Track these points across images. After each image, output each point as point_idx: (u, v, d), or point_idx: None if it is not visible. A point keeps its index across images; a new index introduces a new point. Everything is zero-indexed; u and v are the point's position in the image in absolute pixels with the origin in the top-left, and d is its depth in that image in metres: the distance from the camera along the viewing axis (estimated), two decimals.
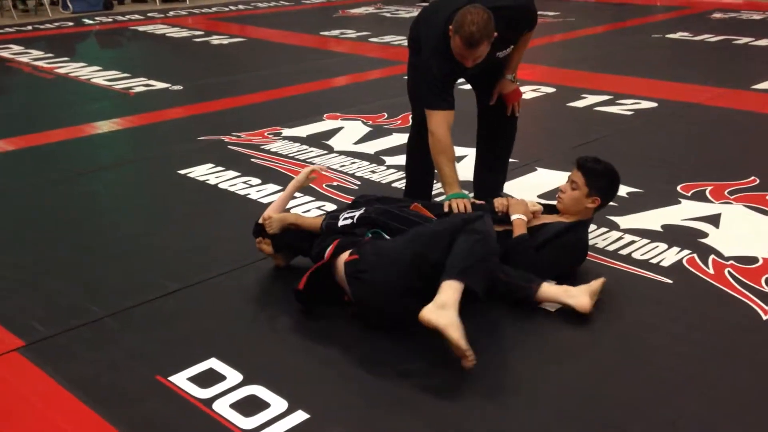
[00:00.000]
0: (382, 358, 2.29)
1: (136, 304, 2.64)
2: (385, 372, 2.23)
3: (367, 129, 4.69)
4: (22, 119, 5.30)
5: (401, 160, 4.07)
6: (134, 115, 5.17)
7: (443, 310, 2.16)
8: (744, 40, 7.51)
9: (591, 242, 3.06)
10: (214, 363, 2.28)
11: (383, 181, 3.82)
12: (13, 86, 6.24)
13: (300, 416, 2.04)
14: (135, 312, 2.60)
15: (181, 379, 2.21)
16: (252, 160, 4.16)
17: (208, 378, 2.21)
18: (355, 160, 4.14)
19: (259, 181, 3.83)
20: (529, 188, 3.67)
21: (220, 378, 2.22)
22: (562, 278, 2.67)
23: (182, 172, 4.01)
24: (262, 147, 4.38)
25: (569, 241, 2.75)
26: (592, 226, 3.22)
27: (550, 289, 2.54)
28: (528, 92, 5.44)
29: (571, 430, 2.00)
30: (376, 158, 4.18)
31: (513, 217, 2.76)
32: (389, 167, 4.03)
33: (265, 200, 3.57)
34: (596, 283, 2.54)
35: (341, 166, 4.03)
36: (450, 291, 2.21)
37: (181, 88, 5.88)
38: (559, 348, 2.38)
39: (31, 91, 6.06)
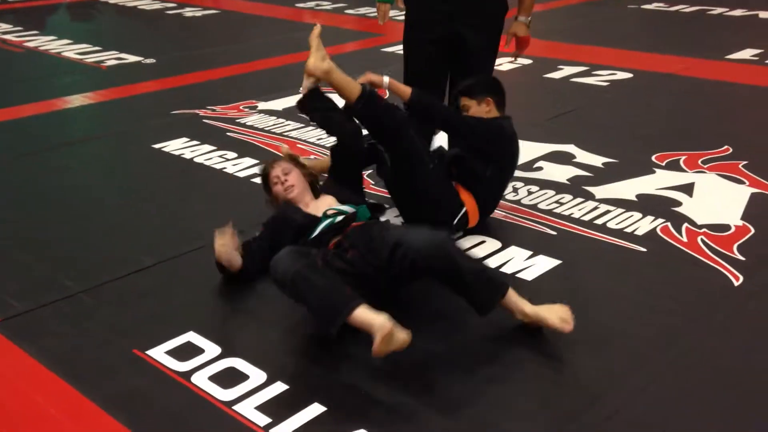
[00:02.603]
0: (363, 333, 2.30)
1: (111, 279, 2.62)
2: (366, 345, 2.24)
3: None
4: None
5: None
6: (107, 89, 5.08)
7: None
8: (718, 10, 7.54)
9: (567, 212, 3.10)
10: (191, 336, 2.28)
11: None
12: None
13: (279, 387, 2.05)
14: (110, 287, 2.58)
15: (158, 353, 2.20)
16: (227, 133, 4.12)
17: (186, 351, 2.21)
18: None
19: (235, 155, 3.79)
20: None
21: (199, 351, 2.22)
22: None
23: (157, 146, 3.96)
24: (238, 120, 4.34)
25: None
26: (567, 196, 3.25)
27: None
28: (504, 64, 5.42)
29: (543, 398, 2.03)
30: None
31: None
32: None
33: (241, 174, 3.54)
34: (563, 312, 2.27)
35: (318, 140, 4.01)
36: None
37: (154, 61, 5.79)
38: None
39: (1, 65, 5.93)
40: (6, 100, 4.87)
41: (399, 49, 6.00)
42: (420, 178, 2.76)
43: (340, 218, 2.53)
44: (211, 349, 2.22)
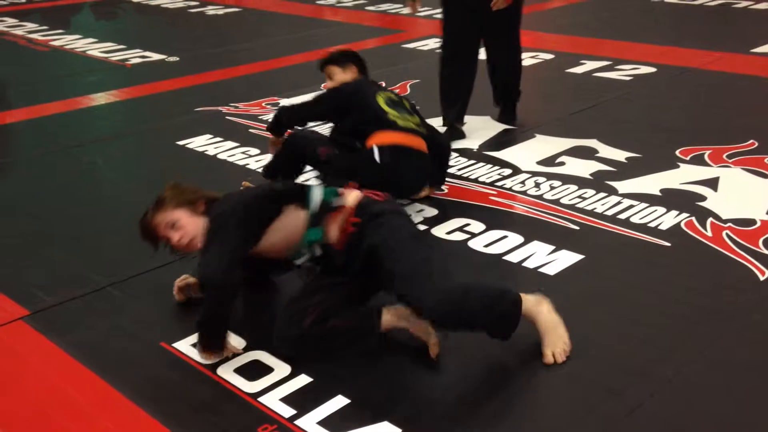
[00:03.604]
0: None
1: (138, 273, 2.66)
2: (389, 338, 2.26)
3: None
4: (19, 92, 5.27)
5: None
6: (131, 87, 5.14)
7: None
8: (743, 3, 7.43)
9: (589, 207, 3.09)
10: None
11: None
12: (8, 59, 6.19)
13: (303, 380, 2.07)
14: (137, 281, 2.62)
15: (185, 346, 2.24)
16: (250, 130, 4.15)
17: None
18: None
19: (257, 151, 3.82)
20: (528, 155, 3.67)
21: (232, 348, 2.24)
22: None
23: (181, 142, 4.01)
24: (260, 117, 4.37)
25: None
26: (590, 191, 3.23)
27: None
28: (526, 59, 5.39)
29: (569, 391, 2.03)
30: None
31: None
32: None
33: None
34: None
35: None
36: None
37: (178, 59, 5.84)
38: (557, 310, 2.40)
39: (27, 64, 6.02)
40: (33, 98, 4.95)
41: (420, 45, 6.02)
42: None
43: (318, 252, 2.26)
44: (236, 342, 2.25)
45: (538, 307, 2.16)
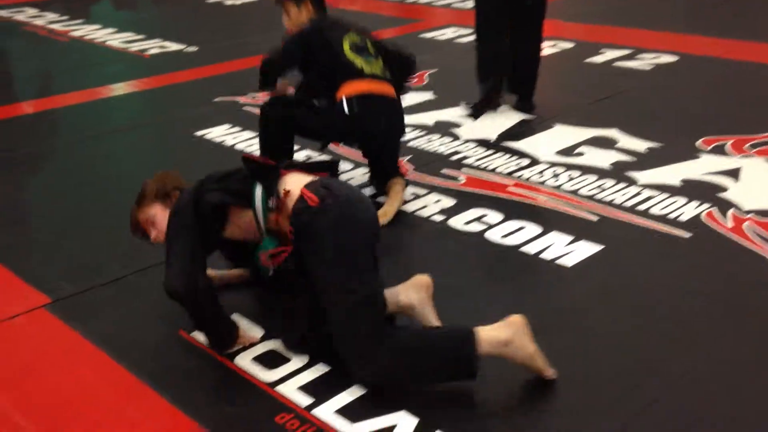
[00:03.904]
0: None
1: (156, 263, 2.67)
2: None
3: None
4: (39, 82, 5.32)
5: (417, 119, 4.07)
6: (150, 77, 5.17)
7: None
8: None
9: (608, 197, 3.06)
10: (234, 318, 2.32)
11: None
12: (29, 50, 6.25)
13: (321, 369, 2.08)
14: (156, 270, 2.63)
15: (203, 335, 2.25)
16: None
17: None
18: None
19: None
20: (547, 145, 3.65)
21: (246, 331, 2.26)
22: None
23: (199, 133, 4.02)
24: None
25: None
26: (610, 182, 3.21)
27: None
28: (545, 48, 5.34)
29: (586, 384, 2.02)
30: None
31: None
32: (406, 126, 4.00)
33: None
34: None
35: None
36: None
37: (196, 49, 5.86)
38: (572, 302, 2.40)
39: (47, 55, 6.08)
40: (53, 88, 5.00)
41: (438, 35, 5.99)
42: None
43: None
44: (254, 332, 2.26)
45: (504, 348, 1.91)
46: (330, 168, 2.23)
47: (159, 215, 2.25)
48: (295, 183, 2.08)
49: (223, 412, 1.94)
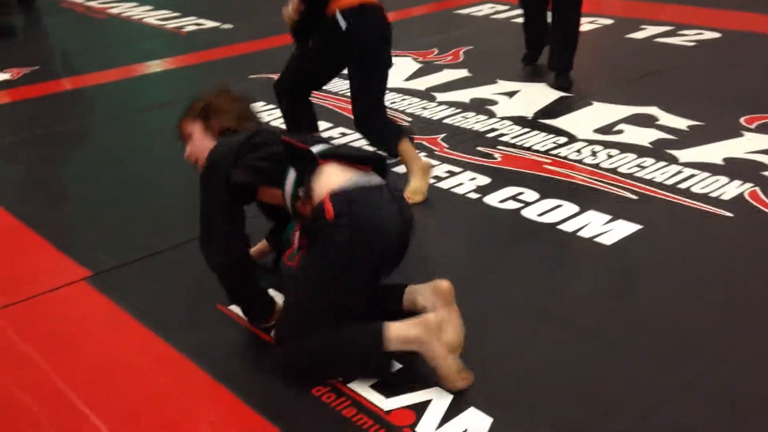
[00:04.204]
0: None
1: (194, 238, 2.69)
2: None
3: (418, 65, 4.63)
4: (77, 59, 5.39)
5: (452, 96, 4.04)
6: (186, 54, 5.21)
7: None
8: None
9: (648, 176, 3.01)
10: (270, 293, 2.34)
11: (434, 117, 3.78)
12: (67, 27, 6.33)
13: None
14: (194, 245, 2.66)
15: (239, 308, 2.28)
16: None
17: None
18: (406, 97, 4.10)
19: None
20: (585, 123, 3.59)
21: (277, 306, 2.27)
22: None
23: None
24: None
25: None
26: (649, 160, 3.15)
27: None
28: (584, 24, 5.24)
29: (627, 363, 2.00)
30: (426, 94, 4.13)
31: None
32: (440, 103, 3.98)
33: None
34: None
35: (392, 103, 4.00)
36: None
37: (232, 26, 5.88)
38: (611, 281, 2.37)
39: (85, 32, 6.14)
40: (91, 65, 5.06)
41: (473, 11, 5.91)
42: None
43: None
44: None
45: (413, 346, 1.86)
46: (376, 162, 2.05)
47: (196, 135, 2.21)
48: (326, 182, 1.95)
49: (261, 386, 1.96)
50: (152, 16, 6.34)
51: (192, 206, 2.95)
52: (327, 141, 2.14)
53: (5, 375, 2.03)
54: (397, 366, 1.94)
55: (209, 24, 5.97)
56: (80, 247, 2.67)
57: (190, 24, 6.01)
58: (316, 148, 2.01)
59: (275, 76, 4.49)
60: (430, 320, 1.86)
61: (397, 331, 1.86)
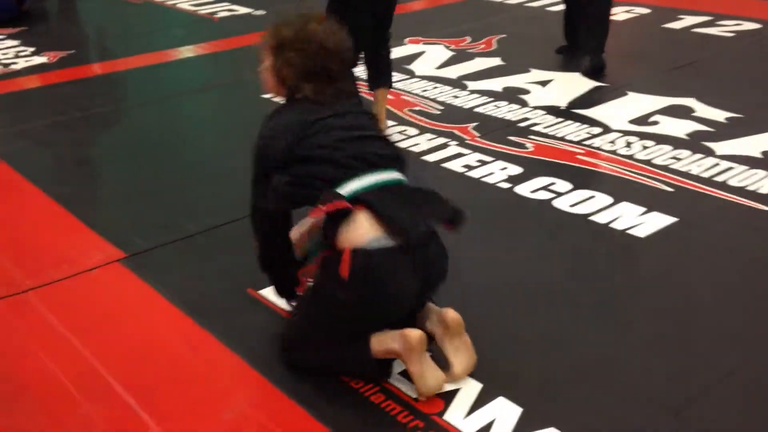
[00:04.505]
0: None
1: (225, 222, 2.74)
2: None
3: (450, 53, 4.60)
4: (112, 44, 5.45)
5: (484, 84, 4.00)
6: (219, 40, 5.23)
7: None
8: None
9: (684, 168, 2.96)
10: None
11: (465, 106, 3.76)
12: (102, 12, 6.39)
13: None
14: (225, 229, 2.70)
15: (270, 293, 2.28)
16: None
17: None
18: (437, 85, 4.08)
19: None
20: (619, 113, 3.54)
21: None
22: None
23: (267, 95, 4.04)
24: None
25: None
26: (685, 152, 3.10)
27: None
28: (620, 13, 5.17)
29: (663, 355, 1.98)
30: (458, 83, 4.10)
31: None
32: (472, 92, 3.95)
33: None
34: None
35: (423, 91, 3.98)
36: None
37: (264, 12, 5.89)
38: (645, 273, 2.34)
39: (120, 17, 6.20)
40: (125, 50, 5.11)
41: None
42: None
43: None
44: None
45: (395, 355, 1.85)
46: (399, 231, 1.81)
47: (265, 68, 2.01)
48: (353, 234, 1.81)
49: (290, 369, 1.97)
50: (186, 2, 6.37)
51: (224, 191, 2.99)
52: (368, 115, 2.04)
53: (41, 353, 2.07)
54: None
55: (242, 10, 5.98)
56: (115, 228, 2.71)
57: (222, 10, 6.04)
58: (354, 184, 1.84)
59: None
60: (411, 337, 1.80)
61: (380, 345, 1.85)
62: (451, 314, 1.88)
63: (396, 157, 1.96)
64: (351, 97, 2.09)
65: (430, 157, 3.12)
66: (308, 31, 1.94)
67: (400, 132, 3.44)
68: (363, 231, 1.80)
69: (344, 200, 1.81)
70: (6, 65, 4.76)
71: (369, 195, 1.83)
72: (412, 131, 3.46)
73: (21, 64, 4.80)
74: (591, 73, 4.01)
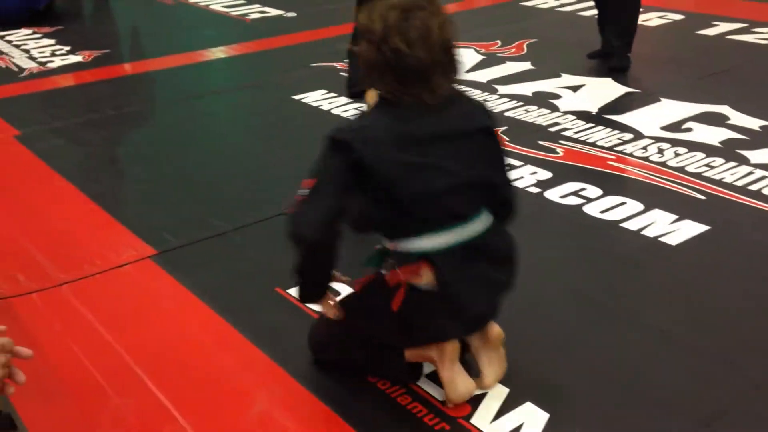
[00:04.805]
0: None
1: (255, 221, 2.76)
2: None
3: (480, 57, 4.59)
4: (146, 44, 5.53)
5: (514, 89, 3.99)
6: (250, 41, 5.28)
7: None
8: None
9: (717, 176, 2.92)
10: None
11: (495, 110, 3.75)
12: (136, 13, 6.49)
13: None
14: (255, 228, 2.72)
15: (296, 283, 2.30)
16: None
17: None
18: (467, 89, 4.04)
19: None
20: (652, 119, 3.51)
21: (336, 294, 2.29)
22: None
23: (296, 97, 4.08)
24: None
25: None
26: (719, 160, 3.06)
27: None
28: (653, 19, 5.13)
29: (693, 364, 1.95)
30: (488, 87, 4.09)
31: None
32: (502, 96, 3.94)
33: None
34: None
35: None
36: None
37: (295, 15, 5.93)
38: (676, 281, 2.31)
39: (154, 17, 6.29)
40: (159, 50, 5.18)
41: (539, 2, 5.82)
42: None
43: None
44: (346, 291, 2.29)
45: (429, 360, 1.85)
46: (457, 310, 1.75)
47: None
48: (412, 276, 1.73)
49: (317, 368, 1.98)
50: (219, 3, 6.44)
51: (253, 190, 3.01)
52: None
53: (74, 347, 2.10)
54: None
55: (273, 12, 6.03)
56: (146, 225, 2.74)
57: (254, 11, 6.10)
58: (428, 242, 1.70)
59: (337, 65, 4.56)
60: (446, 344, 1.80)
61: (414, 349, 1.85)
62: (496, 330, 1.86)
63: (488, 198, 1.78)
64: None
65: None
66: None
67: None
68: (424, 279, 1.72)
69: (415, 264, 1.71)
70: (43, 63, 4.86)
71: (438, 258, 1.70)
72: None
73: (57, 62, 4.89)
74: (615, 72, 4.01)
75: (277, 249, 2.55)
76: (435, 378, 1.90)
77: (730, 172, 2.95)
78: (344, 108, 3.87)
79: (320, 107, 3.92)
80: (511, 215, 1.90)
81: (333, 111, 3.84)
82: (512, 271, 1.84)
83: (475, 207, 1.75)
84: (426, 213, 1.69)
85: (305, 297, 1.95)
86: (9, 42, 5.38)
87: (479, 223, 1.76)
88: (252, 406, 1.86)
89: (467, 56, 4.61)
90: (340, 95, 4.04)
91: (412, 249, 1.72)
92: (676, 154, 3.13)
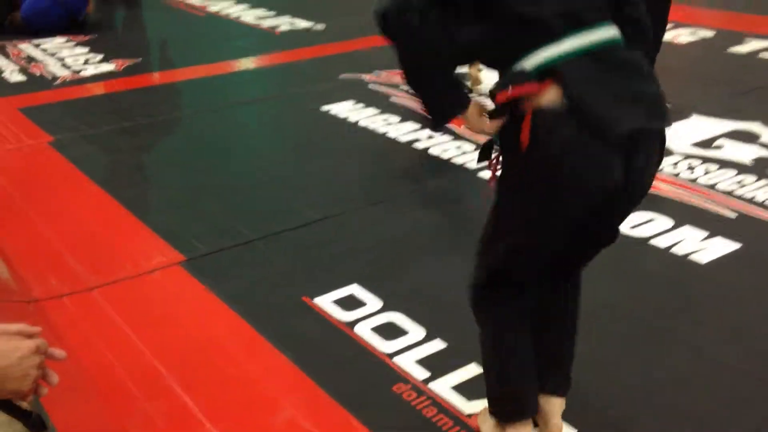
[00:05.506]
0: None
1: (282, 230, 2.78)
2: None
3: None
4: (176, 54, 5.61)
5: None
6: (279, 53, 5.34)
7: None
8: None
9: (749, 194, 2.89)
10: (355, 289, 2.37)
11: None
12: (168, 24, 6.59)
13: (438, 344, 2.09)
14: (283, 237, 2.74)
15: (324, 302, 2.32)
16: (391, 99, 4.19)
17: (350, 302, 2.31)
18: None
19: (398, 119, 3.86)
20: (683, 136, 3.48)
21: (361, 303, 2.30)
22: None
23: (324, 108, 4.11)
24: (402, 86, 4.39)
25: None
26: (750, 178, 3.02)
27: None
28: (683, 36, 5.09)
29: (724, 381, 1.92)
30: None
31: None
32: None
33: (403, 138, 3.60)
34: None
35: None
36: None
37: (324, 27, 5.98)
38: (706, 299, 2.28)
39: (185, 28, 6.38)
40: (189, 60, 5.25)
41: None
42: None
43: None
44: (373, 302, 2.30)
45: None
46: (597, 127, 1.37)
47: None
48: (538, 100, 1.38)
49: (343, 378, 1.99)
50: (249, 15, 6.52)
51: (281, 199, 3.03)
52: None
53: (104, 350, 2.13)
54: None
55: (303, 24, 6.09)
56: (175, 232, 2.77)
57: (284, 23, 6.16)
58: (548, 52, 1.37)
59: (366, 77, 4.59)
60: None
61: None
62: (557, 424, 1.74)
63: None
64: None
65: (487, 174, 3.12)
66: None
67: (456, 147, 3.45)
68: (552, 98, 1.36)
69: (533, 80, 1.37)
70: (77, 71, 4.95)
71: (564, 66, 1.36)
72: (468, 147, 3.46)
73: (90, 70, 4.98)
74: None
75: (304, 258, 2.58)
76: (461, 389, 1.90)
77: (762, 191, 2.91)
78: (371, 119, 3.89)
79: (347, 119, 3.94)
80: (647, 42, 1.52)
81: (360, 123, 3.87)
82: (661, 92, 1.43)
83: (597, 12, 1.41)
84: (537, 12, 1.37)
85: (432, 111, 1.54)
86: (44, 50, 5.49)
87: (607, 31, 1.41)
88: (278, 412, 1.87)
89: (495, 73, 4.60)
90: (367, 106, 4.07)
91: (528, 66, 1.38)
92: (707, 171, 3.10)
